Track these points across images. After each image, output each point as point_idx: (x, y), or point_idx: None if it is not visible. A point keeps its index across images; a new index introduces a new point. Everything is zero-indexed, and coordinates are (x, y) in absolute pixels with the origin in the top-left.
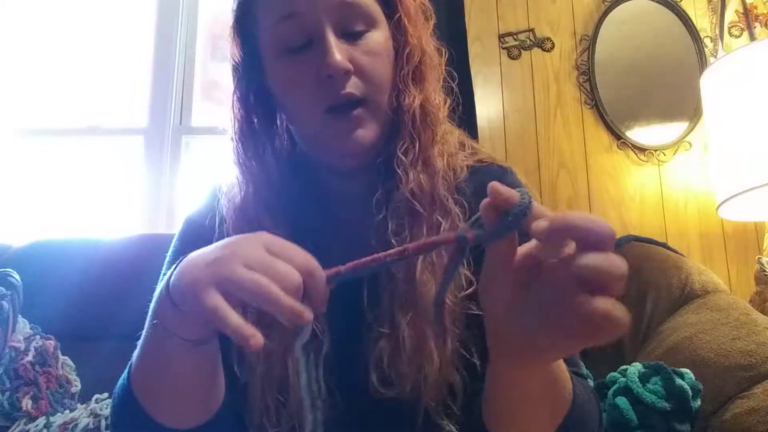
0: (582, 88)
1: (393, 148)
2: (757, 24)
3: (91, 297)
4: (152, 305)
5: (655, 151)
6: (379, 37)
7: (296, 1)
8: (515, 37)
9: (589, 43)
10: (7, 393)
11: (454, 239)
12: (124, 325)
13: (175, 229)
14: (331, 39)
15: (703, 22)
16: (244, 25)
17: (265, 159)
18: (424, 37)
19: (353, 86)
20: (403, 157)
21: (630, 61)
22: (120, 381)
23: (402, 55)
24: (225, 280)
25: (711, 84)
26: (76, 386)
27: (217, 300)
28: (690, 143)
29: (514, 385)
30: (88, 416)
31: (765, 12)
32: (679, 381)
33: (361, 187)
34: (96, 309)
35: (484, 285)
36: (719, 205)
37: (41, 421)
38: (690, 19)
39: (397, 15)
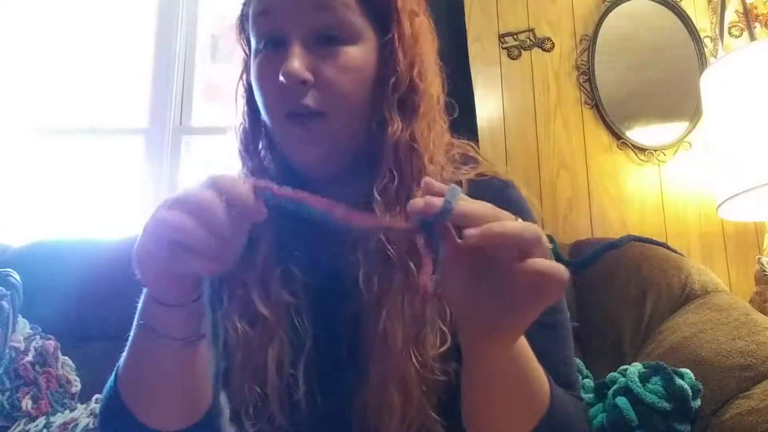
0: (582, 88)
1: (370, 182)
2: (757, 24)
3: (91, 297)
4: (139, 308)
5: (655, 151)
6: (355, 53)
7: (271, 0)
8: (515, 37)
9: (589, 43)
10: (7, 393)
11: (416, 224)
12: (123, 325)
13: None
14: (296, 47)
15: (703, 22)
16: (245, 21)
17: (261, 155)
18: (423, 63)
19: (311, 98)
20: (378, 197)
21: (630, 61)
22: (107, 384)
23: (388, 80)
24: (153, 227)
25: (711, 84)
26: (76, 386)
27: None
28: (690, 143)
29: (486, 375)
30: (88, 416)
31: (765, 12)
32: (679, 381)
33: (351, 198)
34: (96, 309)
35: (443, 282)
36: (719, 205)
37: (41, 421)
38: (690, 19)
39: (390, 35)
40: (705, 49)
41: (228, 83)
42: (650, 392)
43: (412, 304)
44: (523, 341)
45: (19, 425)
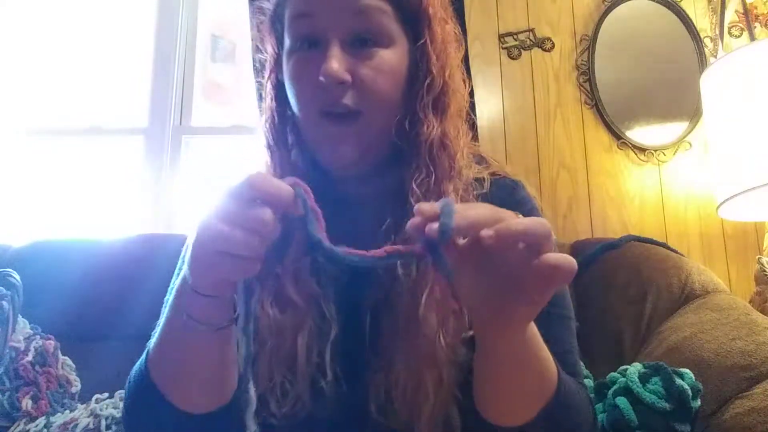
0: (582, 88)
1: (406, 175)
2: (757, 24)
3: (91, 297)
4: (173, 295)
5: (655, 151)
6: (389, 55)
7: (312, 3)
8: (515, 37)
9: (589, 43)
10: (7, 393)
11: (422, 247)
12: (123, 326)
13: (175, 229)
14: (335, 48)
15: (703, 22)
16: (277, 22)
17: (289, 149)
18: (452, 66)
19: (349, 97)
20: (416, 189)
21: (630, 61)
22: (135, 369)
23: (423, 82)
24: (206, 238)
25: (711, 84)
26: (76, 386)
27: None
28: (690, 143)
29: (499, 358)
30: (88, 416)
31: (765, 12)
32: (679, 381)
33: (373, 196)
34: (96, 309)
35: (454, 281)
36: (719, 205)
37: (41, 421)
38: (690, 19)
39: (423, 40)
40: (705, 49)
41: (228, 83)
42: (650, 392)
43: (443, 293)
44: (533, 328)
45: (19, 425)
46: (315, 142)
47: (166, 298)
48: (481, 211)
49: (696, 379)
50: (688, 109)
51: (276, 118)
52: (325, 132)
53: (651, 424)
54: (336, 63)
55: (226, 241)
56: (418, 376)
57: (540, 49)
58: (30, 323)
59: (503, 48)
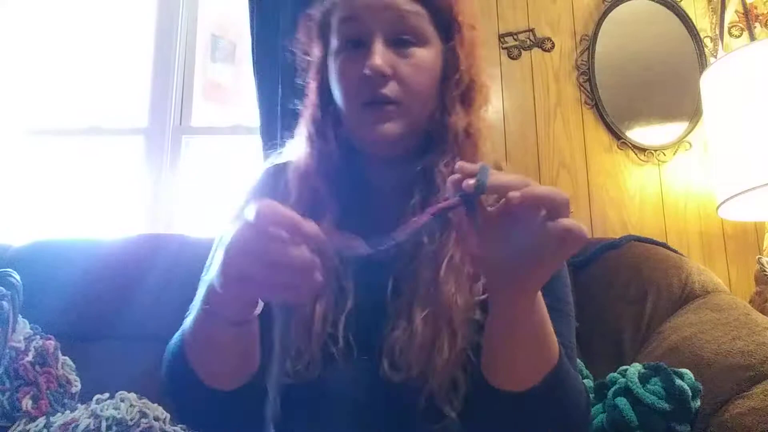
0: (582, 88)
1: (434, 160)
2: (757, 24)
3: (91, 297)
4: (203, 293)
5: (655, 151)
6: (425, 53)
7: (357, 7)
8: (515, 37)
9: (589, 43)
10: (7, 393)
11: (459, 199)
12: (124, 326)
13: (175, 229)
14: (378, 46)
15: (703, 22)
16: (324, 27)
17: (329, 140)
18: (477, 64)
19: (389, 89)
20: (444, 169)
21: (630, 61)
22: (172, 343)
23: (452, 78)
24: (253, 288)
25: (711, 84)
26: (76, 386)
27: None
28: (690, 143)
29: (510, 320)
30: (89, 417)
31: (765, 12)
32: (679, 381)
33: (398, 183)
34: (96, 309)
35: (478, 241)
36: (719, 205)
37: (41, 421)
38: (690, 19)
39: (452, 43)
40: (705, 49)
41: (228, 83)
42: (650, 393)
43: (461, 259)
44: (541, 302)
45: (19, 425)
46: (358, 127)
47: (203, 275)
48: (512, 176)
49: (696, 379)
50: (688, 109)
51: (318, 112)
52: (367, 117)
53: (651, 424)
54: (379, 59)
55: (270, 290)
56: (435, 331)
57: (540, 49)
58: (30, 323)
59: (503, 48)
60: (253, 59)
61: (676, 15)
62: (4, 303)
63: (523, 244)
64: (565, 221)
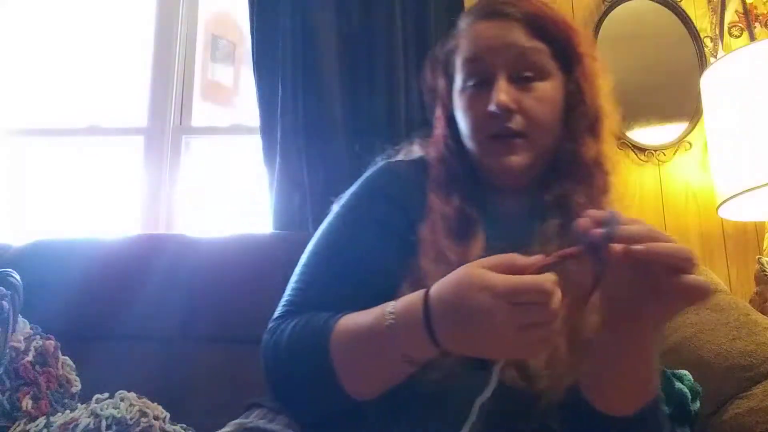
0: None
1: (567, 189)
2: (757, 24)
3: (92, 297)
4: (396, 320)
5: (655, 151)
6: (547, 87)
7: (481, 49)
8: None
9: None
10: (7, 393)
11: (584, 248)
12: (124, 326)
13: (175, 229)
14: (502, 83)
15: (703, 22)
16: (447, 66)
17: (459, 166)
18: (601, 94)
19: (515, 123)
20: (580, 200)
21: (630, 61)
22: (309, 329)
23: (578, 109)
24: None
25: (711, 84)
26: (76, 386)
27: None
28: (690, 143)
29: (624, 352)
30: (89, 416)
31: (765, 12)
32: (678, 385)
33: (524, 210)
34: (96, 309)
35: (605, 282)
36: (719, 205)
37: (41, 421)
38: (690, 19)
39: (575, 76)
40: (705, 49)
41: (228, 83)
42: None
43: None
44: (656, 336)
45: (19, 425)
46: (485, 159)
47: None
48: (641, 227)
49: (696, 379)
50: (688, 109)
51: (448, 141)
52: (494, 149)
53: None
54: (504, 95)
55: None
56: (571, 349)
57: None
58: (30, 323)
59: None
60: (253, 59)
61: (676, 15)
62: (4, 303)
63: (645, 287)
64: (689, 279)
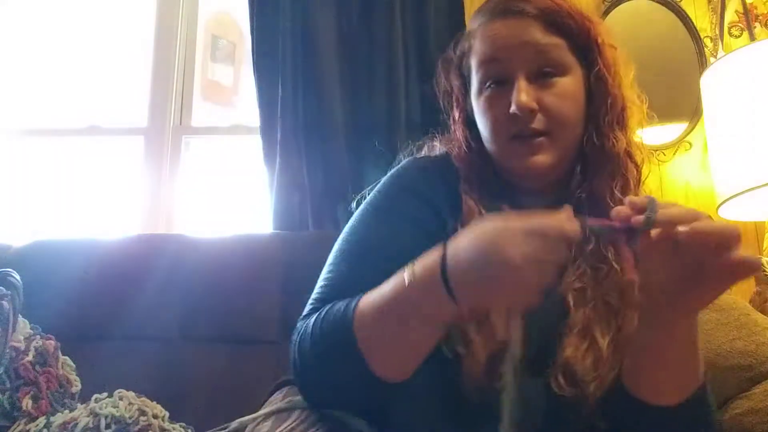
0: None
1: (601, 184)
2: (757, 24)
3: (91, 297)
4: (414, 283)
5: (655, 151)
6: (568, 82)
7: (498, 49)
8: None
9: None
10: (8, 393)
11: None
12: (124, 325)
13: (175, 229)
14: (522, 83)
15: (703, 22)
16: (462, 68)
17: (478, 164)
18: (625, 85)
19: (537, 122)
20: (617, 193)
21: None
22: (330, 319)
23: (604, 102)
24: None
25: (711, 84)
26: (76, 386)
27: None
28: (690, 143)
29: (667, 337)
30: (88, 416)
31: (765, 12)
32: None
33: (553, 201)
34: (96, 309)
35: (642, 266)
36: (719, 205)
37: (41, 421)
38: (690, 19)
39: (597, 68)
40: (705, 49)
41: (228, 83)
42: None
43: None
44: (697, 327)
45: (19, 425)
46: (508, 160)
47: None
48: (681, 209)
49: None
50: (688, 109)
51: (469, 141)
52: (517, 150)
53: None
54: (525, 96)
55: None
56: (616, 352)
57: None
58: (30, 323)
59: None
60: (253, 59)
61: (676, 15)
62: (4, 303)
63: (687, 270)
64: (737, 256)
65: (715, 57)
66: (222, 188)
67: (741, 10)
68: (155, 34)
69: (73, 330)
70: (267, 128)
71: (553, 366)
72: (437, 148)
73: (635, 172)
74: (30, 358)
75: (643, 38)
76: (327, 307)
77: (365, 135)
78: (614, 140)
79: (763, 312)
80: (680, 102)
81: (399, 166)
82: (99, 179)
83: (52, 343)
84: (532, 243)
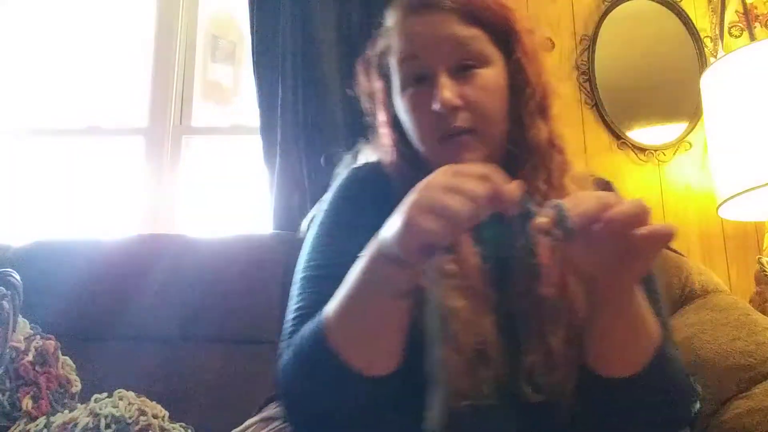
0: (582, 88)
1: (527, 177)
2: (757, 24)
3: (91, 297)
4: (363, 269)
5: (655, 151)
6: (490, 74)
7: (416, 46)
8: None
9: (589, 43)
10: (8, 393)
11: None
12: (124, 326)
13: (175, 229)
14: (443, 78)
15: (703, 22)
16: (382, 67)
17: (406, 162)
18: (544, 72)
19: (462, 119)
20: (541, 185)
21: (630, 61)
22: (304, 336)
23: (524, 92)
24: (431, 208)
25: (711, 84)
26: (76, 386)
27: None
28: (690, 143)
29: (614, 310)
30: (88, 416)
31: (765, 12)
32: None
33: None
34: (96, 309)
35: (578, 256)
36: (719, 205)
37: (41, 421)
38: (690, 19)
39: (516, 56)
40: (705, 49)
41: (228, 83)
42: None
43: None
44: (640, 292)
45: (19, 425)
46: (438, 161)
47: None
48: (590, 204)
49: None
50: (688, 109)
51: (399, 146)
52: (446, 151)
53: None
54: (447, 92)
55: (444, 206)
56: (572, 348)
57: None
58: (30, 323)
59: None
60: (253, 59)
61: (676, 15)
62: (4, 303)
63: (616, 250)
64: (649, 228)
65: (715, 57)
66: (222, 188)
67: (741, 10)
68: (155, 34)
69: (73, 330)
70: (267, 128)
71: (520, 375)
72: (370, 155)
73: (560, 161)
74: (30, 358)
75: (643, 38)
76: (299, 334)
77: (365, 135)
78: (535, 130)
79: (763, 312)
80: (680, 102)
81: (340, 179)
82: (99, 179)
83: (52, 343)
84: (446, 176)
